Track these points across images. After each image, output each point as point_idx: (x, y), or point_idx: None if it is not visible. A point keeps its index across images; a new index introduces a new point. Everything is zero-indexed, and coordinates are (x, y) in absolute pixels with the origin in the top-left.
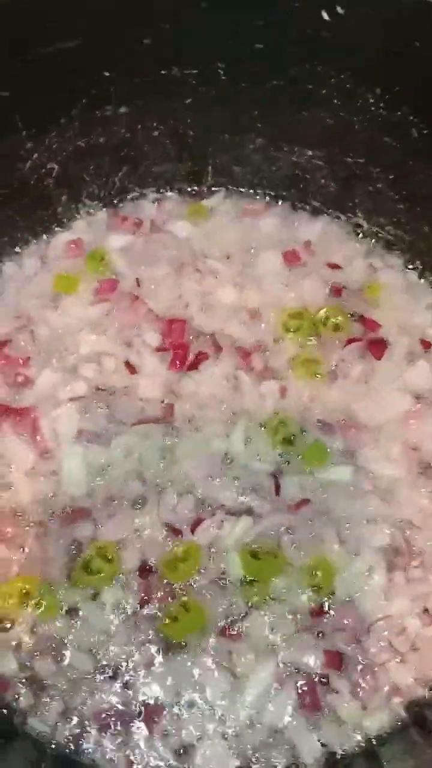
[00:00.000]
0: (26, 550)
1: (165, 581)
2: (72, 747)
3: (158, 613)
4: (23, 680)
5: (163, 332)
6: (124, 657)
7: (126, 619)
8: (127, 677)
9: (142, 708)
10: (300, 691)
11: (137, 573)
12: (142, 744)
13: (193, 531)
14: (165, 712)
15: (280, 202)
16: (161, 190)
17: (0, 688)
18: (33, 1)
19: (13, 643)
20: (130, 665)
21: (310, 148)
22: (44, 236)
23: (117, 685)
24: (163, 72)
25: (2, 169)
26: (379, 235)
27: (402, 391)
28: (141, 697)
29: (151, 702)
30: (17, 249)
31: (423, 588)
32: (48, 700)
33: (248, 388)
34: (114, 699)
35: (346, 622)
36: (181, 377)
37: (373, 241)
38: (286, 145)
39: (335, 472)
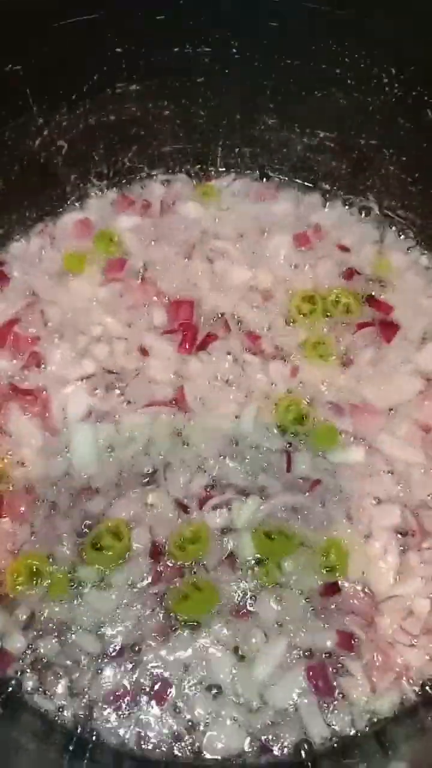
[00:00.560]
0: (36, 527)
1: (176, 561)
2: (80, 725)
3: (167, 593)
4: (29, 658)
5: (171, 313)
6: (132, 636)
7: (135, 596)
8: (134, 655)
9: (152, 685)
10: (311, 672)
11: (148, 552)
12: (152, 721)
13: (201, 507)
14: (174, 690)
15: (290, 184)
16: (170, 171)
17: (4, 663)
18: None
19: (21, 619)
20: (139, 643)
21: (322, 130)
22: (53, 216)
23: (126, 664)
24: (176, 50)
25: (13, 145)
26: (391, 217)
27: (413, 373)
28: (150, 675)
29: (161, 680)
30: (25, 228)
31: None
32: (53, 678)
33: (257, 370)
34: (123, 677)
35: (357, 603)
36: (191, 359)
37: (385, 224)
38: (298, 126)
39: (346, 454)
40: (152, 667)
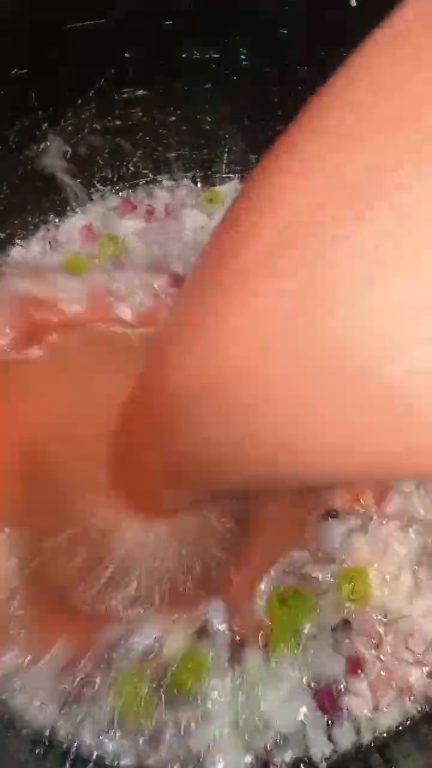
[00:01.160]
0: None
1: None
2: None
3: None
4: None
5: None
6: None
7: None
8: None
9: None
10: (317, 695)
11: None
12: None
13: None
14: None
15: None
16: (175, 177)
17: None
18: None
19: None
20: None
21: None
22: (55, 220)
23: None
24: (183, 55)
25: (17, 149)
26: None
27: None
28: None
29: None
30: (27, 233)
31: None
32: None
33: None
34: None
35: (368, 626)
36: None
37: None
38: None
39: None
40: None
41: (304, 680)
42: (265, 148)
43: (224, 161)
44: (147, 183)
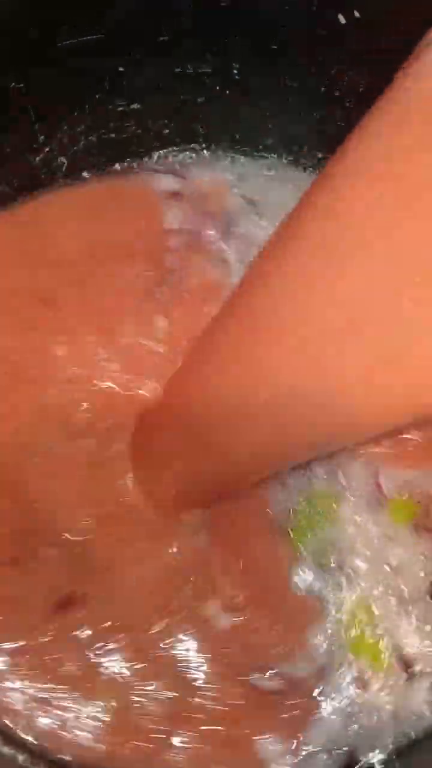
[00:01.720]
0: None
1: None
2: None
3: None
4: None
5: None
6: None
7: None
8: None
9: None
10: None
11: None
12: None
13: None
14: None
15: None
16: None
17: None
18: None
19: None
20: None
21: (321, 152)
22: None
23: None
24: (177, 70)
25: (14, 161)
26: None
27: None
28: None
29: None
30: None
31: None
32: None
33: None
34: None
35: None
36: None
37: None
38: (298, 147)
39: None
40: None
41: None
42: (260, 160)
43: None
44: None
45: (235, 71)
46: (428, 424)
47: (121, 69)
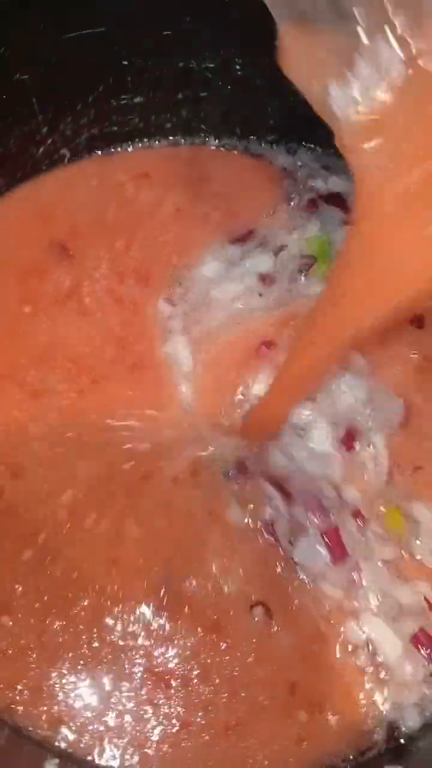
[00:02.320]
0: None
1: None
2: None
3: None
4: None
5: None
6: None
7: None
8: None
9: None
10: None
11: None
12: None
13: None
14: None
15: None
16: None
17: None
18: None
19: None
20: None
21: (321, 146)
22: None
23: None
24: (180, 64)
25: (17, 153)
26: None
27: None
28: None
29: None
30: None
31: None
32: None
33: None
34: None
35: None
36: None
37: None
38: (299, 143)
39: None
40: None
41: None
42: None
43: None
44: None
45: (237, 67)
46: None
47: (125, 63)
